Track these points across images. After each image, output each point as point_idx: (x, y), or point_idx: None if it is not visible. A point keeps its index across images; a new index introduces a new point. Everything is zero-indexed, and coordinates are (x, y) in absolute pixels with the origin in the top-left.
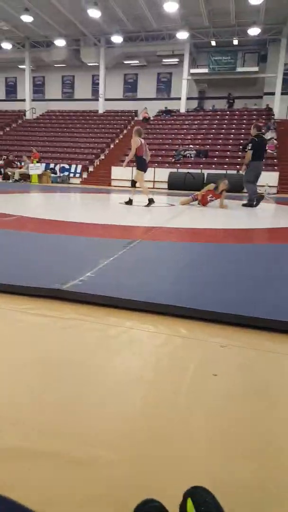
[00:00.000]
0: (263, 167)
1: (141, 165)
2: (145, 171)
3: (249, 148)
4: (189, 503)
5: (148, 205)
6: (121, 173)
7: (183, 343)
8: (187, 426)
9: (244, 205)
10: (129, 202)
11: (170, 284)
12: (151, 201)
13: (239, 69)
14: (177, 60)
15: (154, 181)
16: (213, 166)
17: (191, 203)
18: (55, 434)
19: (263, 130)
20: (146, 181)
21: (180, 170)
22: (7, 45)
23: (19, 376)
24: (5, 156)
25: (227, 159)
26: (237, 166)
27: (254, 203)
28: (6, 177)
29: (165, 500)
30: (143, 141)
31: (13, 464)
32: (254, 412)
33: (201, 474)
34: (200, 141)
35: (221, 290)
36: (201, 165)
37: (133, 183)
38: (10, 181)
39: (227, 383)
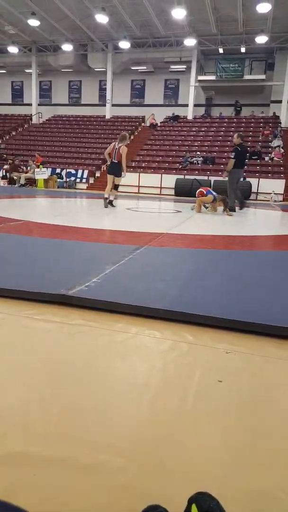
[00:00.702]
0: (243, 174)
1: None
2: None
3: (232, 156)
4: (194, 509)
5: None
6: (126, 179)
7: (189, 349)
8: (193, 432)
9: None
10: (111, 203)
11: (176, 290)
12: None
13: (246, 77)
14: (184, 66)
15: (161, 187)
16: (220, 173)
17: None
18: (61, 439)
19: (245, 139)
20: (152, 187)
21: (187, 177)
22: (14, 49)
23: (25, 381)
24: (11, 161)
25: None
26: (244, 174)
27: (240, 207)
28: (12, 181)
29: (171, 506)
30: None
31: (19, 470)
32: (259, 418)
33: (207, 480)
34: (207, 147)
35: (227, 296)
36: (208, 172)
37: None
38: (16, 185)
39: (233, 389)
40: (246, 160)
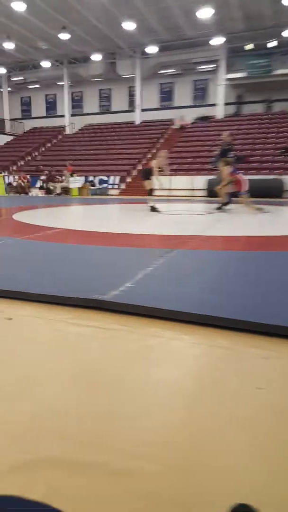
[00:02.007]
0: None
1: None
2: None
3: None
4: None
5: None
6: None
7: (224, 354)
8: (229, 440)
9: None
10: (154, 209)
11: (209, 293)
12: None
13: (276, 72)
14: (213, 66)
15: (192, 189)
16: (253, 171)
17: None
18: (95, 444)
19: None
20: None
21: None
22: (46, 64)
23: (60, 386)
24: (47, 171)
25: (267, 164)
26: (277, 171)
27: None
28: (48, 191)
29: None
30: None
31: (54, 473)
32: None
33: (245, 488)
34: (239, 146)
35: (263, 300)
36: (241, 171)
37: (151, 192)
38: (53, 195)
39: (271, 397)
40: (281, 157)
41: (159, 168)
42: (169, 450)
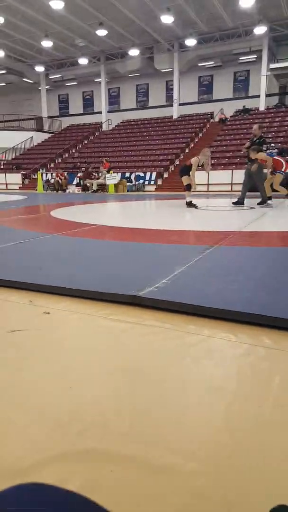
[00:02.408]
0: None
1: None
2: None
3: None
4: None
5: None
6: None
7: (267, 353)
8: (271, 441)
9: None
10: (191, 205)
11: (250, 291)
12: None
13: None
14: (254, 56)
15: (232, 184)
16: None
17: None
18: (136, 439)
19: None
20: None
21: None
22: (83, 61)
23: (100, 380)
24: (84, 168)
25: None
26: None
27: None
28: (85, 188)
29: None
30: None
31: (96, 466)
32: None
33: (285, 490)
34: (282, 138)
35: None
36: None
37: (189, 187)
38: (89, 192)
39: None
40: None
41: (200, 165)
42: (209, 449)
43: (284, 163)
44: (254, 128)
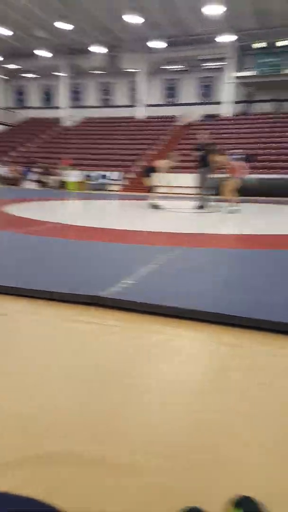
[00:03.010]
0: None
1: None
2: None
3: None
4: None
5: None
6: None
7: (230, 351)
8: (235, 436)
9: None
10: (155, 206)
11: (214, 291)
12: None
13: (286, 71)
14: (220, 63)
15: (196, 187)
16: (262, 170)
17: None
18: (99, 440)
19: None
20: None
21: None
22: (44, 53)
23: (60, 382)
24: (42, 164)
25: (276, 163)
26: (283, 171)
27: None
28: (44, 184)
29: (211, 508)
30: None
31: (57, 469)
32: None
33: (249, 482)
34: (246, 145)
35: (268, 297)
36: (250, 170)
37: (152, 189)
38: (48, 188)
39: (277, 394)
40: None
41: (165, 168)
42: (172, 446)
43: (240, 168)
44: (203, 137)
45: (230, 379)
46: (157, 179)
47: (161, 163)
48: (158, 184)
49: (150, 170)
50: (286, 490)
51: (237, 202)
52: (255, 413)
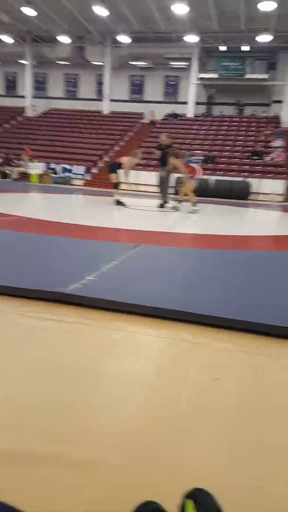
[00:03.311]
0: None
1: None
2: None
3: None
4: (190, 504)
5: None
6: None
7: (186, 347)
8: (189, 430)
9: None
10: (120, 203)
11: (173, 289)
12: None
13: (248, 76)
14: (185, 63)
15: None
16: (220, 172)
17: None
18: (56, 437)
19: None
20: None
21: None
22: (7, 39)
23: (19, 380)
24: (3, 154)
25: (234, 166)
26: (244, 174)
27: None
28: (4, 175)
29: (166, 501)
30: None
31: (12, 468)
32: (255, 416)
33: (203, 477)
34: (207, 147)
35: (224, 295)
36: (208, 171)
37: (117, 185)
38: (9, 180)
39: (229, 388)
40: (248, 160)
41: (129, 166)
42: (129, 441)
43: (197, 170)
44: (163, 138)
45: (187, 375)
46: (122, 175)
47: (125, 160)
48: (123, 181)
49: (115, 166)
50: (238, 482)
51: (195, 203)
52: (210, 408)
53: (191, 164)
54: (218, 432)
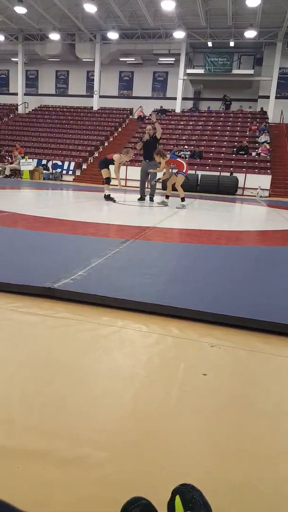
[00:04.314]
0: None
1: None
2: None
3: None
4: (177, 499)
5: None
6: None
7: (175, 342)
8: (178, 425)
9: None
10: (109, 198)
11: (162, 284)
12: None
13: (234, 71)
14: (173, 59)
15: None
16: (207, 167)
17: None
18: (45, 433)
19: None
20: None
21: (174, 171)
22: None
23: (7, 375)
24: None
25: (221, 161)
26: (231, 169)
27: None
28: None
29: (154, 497)
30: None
31: (1, 463)
32: (243, 412)
33: (190, 472)
34: (195, 142)
35: (213, 290)
36: (196, 166)
37: (108, 180)
38: (1, 176)
39: (217, 383)
40: (234, 155)
41: (120, 163)
42: (118, 436)
43: (185, 165)
44: (148, 128)
45: (176, 371)
46: (113, 171)
47: (116, 157)
48: (114, 177)
49: (106, 161)
50: (226, 478)
51: (183, 198)
52: (198, 404)
53: (178, 160)
54: (207, 427)
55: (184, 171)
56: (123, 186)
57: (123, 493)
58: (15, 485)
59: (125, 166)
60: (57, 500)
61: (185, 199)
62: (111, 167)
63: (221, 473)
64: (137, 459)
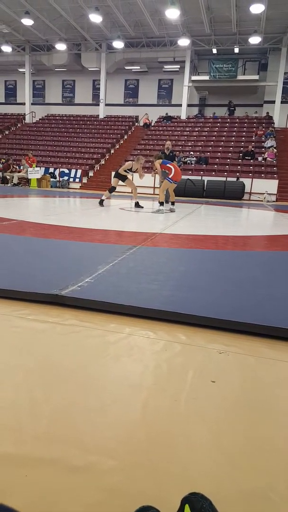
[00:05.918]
0: None
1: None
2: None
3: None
4: (187, 509)
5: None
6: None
7: (182, 349)
8: (186, 433)
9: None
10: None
11: (169, 290)
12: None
13: (239, 77)
14: (178, 66)
15: (154, 187)
16: (214, 173)
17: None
18: (52, 441)
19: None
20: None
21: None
22: (7, 48)
23: (17, 382)
24: (3, 160)
25: (227, 167)
26: (237, 174)
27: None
28: (5, 181)
29: (164, 507)
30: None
31: (10, 470)
32: (252, 419)
33: (199, 481)
34: (200, 148)
35: (219, 296)
36: (202, 172)
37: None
38: (9, 185)
39: (225, 390)
40: (240, 160)
41: (133, 170)
42: (127, 445)
43: (174, 170)
44: (168, 144)
45: (184, 378)
46: (128, 179)
47: (127, 163)
48: (125, 185)
49: (122, 176)
50: (236, 487)
51: (161, 202)
52: (207, 411)
53: (168, 165)
54: (216, 435)
55: (170, 177)
56: (125, 192)
57: (132, 502)
58: (23, 493)
59: (140, 178)
60: (66, 508)
61: (175, 203)
62: (128, 175)
63: (231, 482)
64: (146, 467)
